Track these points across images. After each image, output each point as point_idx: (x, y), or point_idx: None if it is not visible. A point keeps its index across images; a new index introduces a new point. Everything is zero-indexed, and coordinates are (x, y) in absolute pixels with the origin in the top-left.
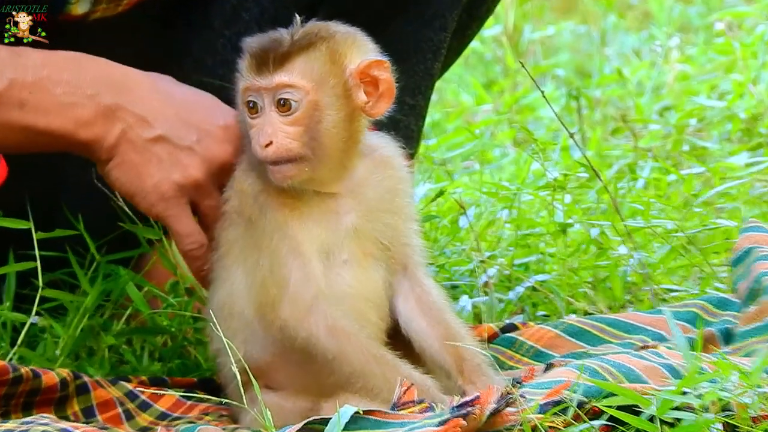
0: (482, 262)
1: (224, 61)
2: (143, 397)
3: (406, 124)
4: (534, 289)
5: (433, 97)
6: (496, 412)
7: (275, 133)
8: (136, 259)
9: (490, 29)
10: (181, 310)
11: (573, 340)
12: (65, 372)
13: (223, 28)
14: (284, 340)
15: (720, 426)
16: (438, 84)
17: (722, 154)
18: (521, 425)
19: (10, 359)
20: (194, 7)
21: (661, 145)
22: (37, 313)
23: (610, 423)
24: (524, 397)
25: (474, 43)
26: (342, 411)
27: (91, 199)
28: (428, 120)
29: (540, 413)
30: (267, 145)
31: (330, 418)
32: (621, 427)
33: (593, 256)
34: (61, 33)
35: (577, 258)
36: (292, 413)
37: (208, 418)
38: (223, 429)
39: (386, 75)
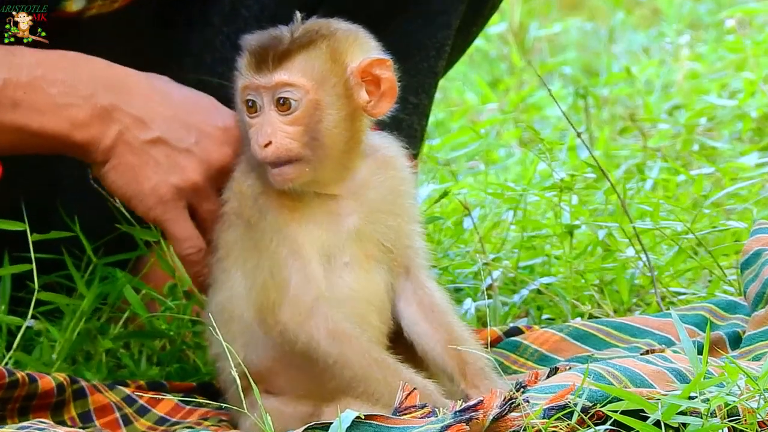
0: (486, 264)
1: (223, 59)
2: (141, 401)
3: (409, 123)
4: (539, 292)
5: (437, 95)
6: (499, 417)
7: (274, 133)
8: (134, 262)
9: (496, 26)
10: (179, 314)
11: (578, 343)
12: (62, 376)
13: (222, 25)
14: (284, 343)
15: (726, 431)
16: (442, 82)
17: (733, 154)
18: (525, 430)
19: (6, 363)
20: (193, 4)
21: (671, 144)
22: (33, 317)
23: (615, 428)
24: (528, 402)
25: (479, 41)
26: (343, 416)
27: (87, 200)
28: (432, 119)
29: (544, 418)
30: (266, 145)
31: (331, 423)
32: None
33: (600, 258)
34: (61, 33)
35: (584, 260)
36: (293, 418)
37: (207, 423)
38: None
39: (388, 74)
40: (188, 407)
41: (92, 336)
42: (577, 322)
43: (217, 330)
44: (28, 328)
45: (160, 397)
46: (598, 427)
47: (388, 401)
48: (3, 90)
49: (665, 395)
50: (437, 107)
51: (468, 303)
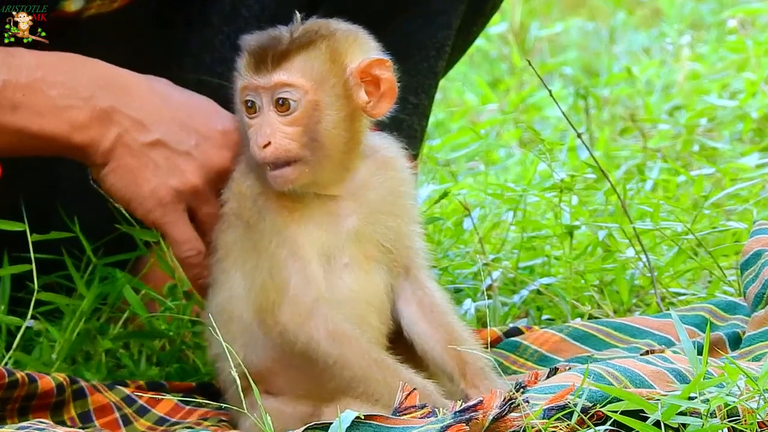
0: (486, 264)
1: (223, 59)
2: (141, 401)
3: (409, 123)
4: (539, 292)
5: (437, 96)
6: (499, 417)
7: (274, 134)
8: (133, 262)
9: (496, 26)
10: (179, 314)
11: (578, 344)
12: (61, 376)
13: (221, 25)
14: (284, 344)
15: (726, 431)
16: (442, 83)
17: (733, 155)
18: (524, 430)
19: (6, 363)
20: (192, 4)
21: (671, 145)
22: (33, 317)
23: (614, 428)
24: (528, 402)
25: (479, 41)
26: (343, 416)
27: (87, 200)
28: (432, 119)
29: (544, 418)
30: (265, 146)
31: (331, 423)
32: None
33: (600, 258)
34: (60, 33)
35: (584, 261)
36: (293, 418)
37: (206, 423)
38: None
39: (388, 74)
40: (188, 407)
41: (92, 336)
42: (577, 323)
43: (217, 330)
44: (27, 328)
45: (160, 397)
46: (597, 428)
47: (387, 401)
48: (2, 92)
49: (665, 396)
50: (437, 107)
51: (468, 303)
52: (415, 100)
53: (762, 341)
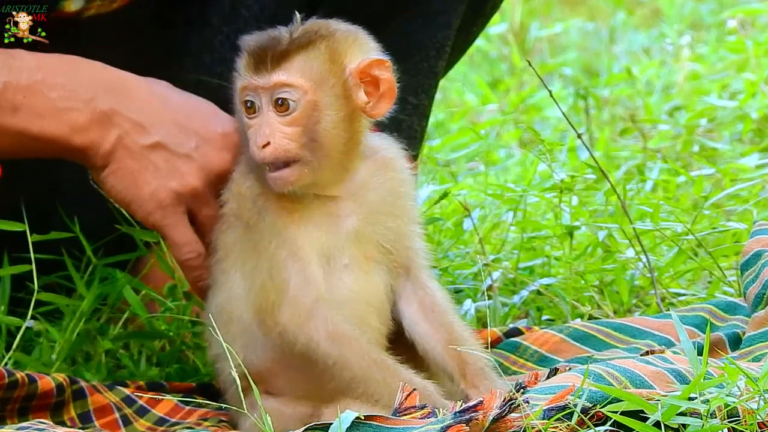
0: (486, 265)
1: (222, 59)
2: (141, 402)
3: (409, 124)
4: (539, 292)
5: (437, 96)
6: (499, 418)
7: (273, 134)
8: (133, 262)
9: (496, 27)
10: (179, 314)
11: (578, 344)
12: (61, 377)
13: (221, 25)
14: (284, 345)
15: None
16: (442, 83)
17: (733, 155)
18: (525, 431)
19: (6, 364)
20: (192, 4)
21: (671, 145)
22: (33, 317)
23: (614, 428)
24: (528, 403)
25: (479, 41)
26: (343, 416)
27: (87, 200)
28: (432, 120)
29: (544, 419)
30: (264, 146)
31: (331, 424)
32: None
33: (600, 259)
34: (59, 33)
35: (584, 261)
36: (293, 419)
37: (206, 423)
38: None
39: (387, 74)
40: (188, 408)
41: (92, 336)
42: (577, 323)
43: (217, 331)
44: (27, 328)
45: (160, 397)
46: (597, 428)
47: (387, 402)
48: (3, 93)
49: (665, 396)
50: (437, 108)
51: (468, 304)
52: (415, 100)
53: (762, 342)
